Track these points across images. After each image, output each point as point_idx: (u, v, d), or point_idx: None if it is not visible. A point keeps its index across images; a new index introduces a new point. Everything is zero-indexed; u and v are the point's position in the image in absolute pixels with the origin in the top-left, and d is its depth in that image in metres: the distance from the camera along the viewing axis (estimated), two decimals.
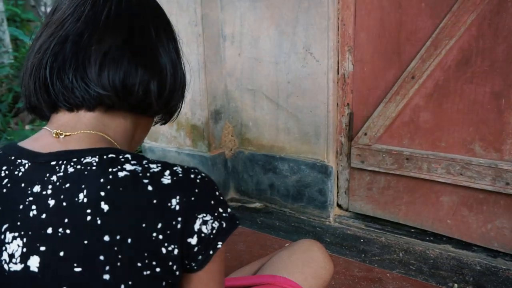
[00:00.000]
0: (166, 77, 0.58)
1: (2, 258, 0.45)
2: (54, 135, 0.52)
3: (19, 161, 0.50)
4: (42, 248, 0.44)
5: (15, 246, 0.45)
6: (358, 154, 1.67)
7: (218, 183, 2.00)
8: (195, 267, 0.50)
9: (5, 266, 0.44)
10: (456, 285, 1.31)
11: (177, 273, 0.49)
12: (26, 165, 0.50)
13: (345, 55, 1.63)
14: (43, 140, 0.52)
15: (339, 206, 1.83)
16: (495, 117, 1.37)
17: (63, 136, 0.52)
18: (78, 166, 0.48)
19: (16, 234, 0.45)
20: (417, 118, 1.52)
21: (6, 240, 0.45)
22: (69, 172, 0.48)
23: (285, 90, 1.76)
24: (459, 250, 1.49)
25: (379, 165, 1.62)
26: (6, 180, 0.49)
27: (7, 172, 0.50)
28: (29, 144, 0.53)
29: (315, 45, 1.63)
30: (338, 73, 1.66)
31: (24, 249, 0.44)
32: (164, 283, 0.48)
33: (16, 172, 0.49)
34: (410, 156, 1.53)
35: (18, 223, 0.46)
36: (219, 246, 0.50)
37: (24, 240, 0.45)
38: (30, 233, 0.45)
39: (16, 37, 4.93)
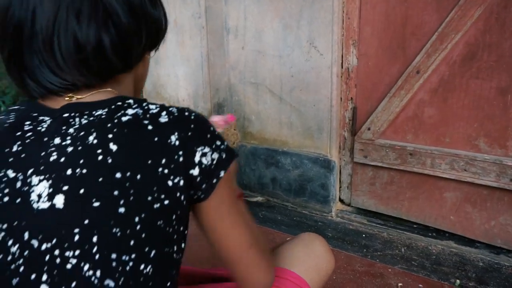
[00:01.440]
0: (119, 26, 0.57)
1: (31, 198, 0.50)
2: (66, 98, 0.56)
3: (41, 118, 0.55)
4: (65, 188, 0.49)
5: (42, 187, 0.50)
6: (361, 149, 1.66)
7: None
8: (202, 196, 0.56)
9: (34, 205, 0.49)
10: (458, 281, 1.31)
11: (184, 203, 0.54)
12: (48, 122, 0.55)
13: (349, 49, 1.61)
14: (57, 100, 0.57)
15: (341, 201, 1.83)
16: (500, 113, 1.35)
17: (74, 98, 0.56)
18: (91, 118, 0.53)
19: (42, 177, 0.50)
20: (422, 113, 1.51)
21: (33, 183, 0.50)
22: (83, 123, 0.53)
23: (289, 83, 1.75)
24: (461, 246, 1.48)
25: (382, 160, 1.61)
26: (30, 133, 0.54)
27: (30, 127, 0.54)
28: (48, 102, 0.57)
29: (319, 38, 1.62)
30: (342, 67, 1.64)
31: (50, 190, 0.49)
32: (174, 216, 0.53)
33: (39, 128, 0.54)
34: (413, 151, 1.52)
35: (42, 168, 0.51)
36: (222, 175, 0.56)
37: (50, 182, 0.50)
38: (53, 175, 0.50)
39: None
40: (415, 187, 1.59)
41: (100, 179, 0.49)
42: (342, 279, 1.33)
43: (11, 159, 0.52)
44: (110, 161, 0.50)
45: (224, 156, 0.57)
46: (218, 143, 0.57)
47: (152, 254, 0.51)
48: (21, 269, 0.48)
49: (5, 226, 0.49)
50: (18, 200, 0.50)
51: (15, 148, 0.52)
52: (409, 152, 1.53)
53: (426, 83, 1.46)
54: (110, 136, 0.51)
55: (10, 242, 0.49)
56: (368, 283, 1.31)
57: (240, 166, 2.03)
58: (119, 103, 0.55)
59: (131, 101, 0.56)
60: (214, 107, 1.91)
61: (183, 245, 0.57)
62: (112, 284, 0.48)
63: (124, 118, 0.53)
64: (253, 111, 1.91)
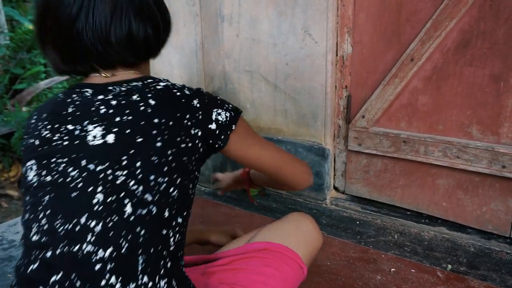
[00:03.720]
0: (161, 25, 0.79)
1: (87, 139, 0.65)
2: (103, 75, 0.74)
3: (84, 89, 0.72)
4: (115, 129, 0.65)
5: (97, 131, 0.66)
6: (356, 137, 1.66)
7: (216, 165, 2.01)
8: (221, 144, 0.76)
9: (90, 143, 0.65)
10: (449, 266, 1.33)
11: (201, 150, 0.73)
12: (90, 91, 0.71)
13: (344, 37, 1.61)
14: (96, 79, 0.74)
15: (335, 188, 1.84)
16: (493, 100, 1.36)
17: (110, 75, 0.74)
18: (129, 86, 0.71)
19: (96, 124, 0.66)
20: (415, 101, 1.51)
21: (89, 130, 0.66)
22: (122, 89, 0.70)
23: (283, 71, 1.75)
24: (453, 232, 1.51)
25: (376, 148, 1.62)
26: (77, 97, 0.71)
27: (76, 96, 0.71)
28: (86, 81, 0.75)
29: (314, 26, 1.61)
30: (336, 55, 1.64)
31: (104, 132, 0.65)
32: (193, 157, 0.71)
33: (84, 94, 0.71)
34: (407, 139, 1.53)
35: (95, 118, 0.67)
36: (233, 127, 0.77)
37: (103, 126, 0.66)
38: (105, 122, 0.66)
39: (11, 17, 4.85)
40: (408, 174, 1.60)
41: (142, 123, 0.66)
42: (336, 265, 1.35)
43: (69, 118, 0.68)
44: (149, 110, 0.67)
45: (233, 114, 0.77)
46: (227, 105, 0.78)
47: (178, 181, 0.67)
48: (80, 185, 0.63)
49: (66, 159, 0.65)
50: (77, 142, 0.66)
51: (70, 110, 0.69)
52: (403, 140, 1.54)
53: (420, 70, 1.47)
54: (149, 95, 0.69)
55: (70, 169, 0.64)
56: (362, 268, 1.33)
57: None
58: (150, 80, 0.73)
59: (160, 78, 0.75)
60: None
61: (194, 189, 0.74)
62: (150, 198, 0.64)
63: (158, 86, 0.71)
64: (248, 99, 1.91)
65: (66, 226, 0.61)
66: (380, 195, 1.71)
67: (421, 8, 1.42)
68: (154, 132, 0.66)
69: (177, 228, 0.68)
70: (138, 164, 0.64)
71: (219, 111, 0.75)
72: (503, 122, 1.36)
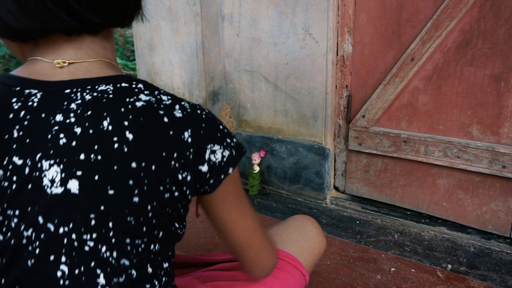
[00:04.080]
0: None
1: (44, 184, 0.49)
2: (57, 65, 0.53)
3: (27, 91, 0.51)
4: (79, 173, 0.49)
5: (53, 172, 0.49)
6: (356, 137, 1.66)
7: None
8: (208, 190, 0.58)
9: (48, 190, 0.49)
10: (449, 266, 1.33)
11: (189, 196, 0.57)
12: (38, 95, 0.51)
13: (344, 37, 1.61)
14: (46, 70, 0.53)
15: (336, 188, 1.84)
16: (493, 100, 1.36)
17: (67, 64, 0.53)
18: (94, 94, 0.52)
19: (52, 161, 0.49)
20: (416, 100, 1.51)
21: (44, 168, 0.49)
22: (86, 99, 0.51)
23: (284, 71, 1.75)
24: (453, 232, 1.51)
25: (376, 148, 1.62)
26: (23, 112, 0.50)
27: (19, 104, 0.51)
28: (27, 73, 0.53)
29: (315, 26, 1.61)
30: (337, 55, 1.64)
31: (63, 174, 0.49)
32: (179, 205, 0.56)
33: (30, 103, 0.51)
34: (407, 138, 1.53)
35: (51, 152, 0.49)
36: (230, 171, 0.59)
37: (61, 166, 0.49)
38: (64, 160, 0.49)
39: None
40: (408, 174, 1.60)
41: (115, 167, 0.49)
42: (336, 264, 1.35)
43: (14, 146, 0.49)
44: (126, 150, 0.49)
45: (234, 153, 0.59)
46: (228, 140, 0.59)
47: (160, 235, 0.55)
48: (37, 251, 0.49)
49: (17, 212, 0.49)
50: (30, 186, 0.49)
51: (16, 134, 0.49)
52: (403, 140, 1.54)
53: (421, 70, 1.47)
54: (126, 123, 0.50)
55: (22, 227, 0.49)
56: (362, 268, 1.33)
57: None
58: (126, 84, 0.54)
59: (141, 85, 0.55)
60: (209, 95, 1.91)
61: (185, 222, 0.61)
62: (127, 263, 0.52)
63: (138, 104, 0.52)
64: (248, 99, 1.91)
65: None
66: (380, 194, 1.71)
67: (421, 8, 1.42)
68: (131, 182, 0.49)
69: (162, 273, 0.59)
70: (110, 224, 0.50)
71: (215, 147, 0.56)
72: (503, 122, 1.36)
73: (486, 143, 1.40)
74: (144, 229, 0.52)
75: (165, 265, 0.59)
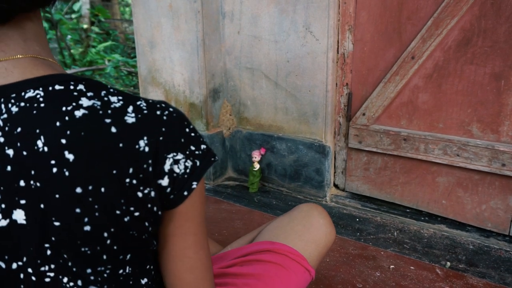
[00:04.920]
0: None
1: None
2: None
3: None
4: (23, 202, 0.42)
5: None
6: (356, 135, 1.67)
7: (216, 162, 2.01)
8: (167, 206, 0.49)
9: None
10: (448, 263, 1.33)
11: (159, 213, 0.48)
12: None
13: (345, 34, 1.61)
14: None
15: (335, 186, 1.85)
16: (493, 98, 1.37)
17: None
18: (22, 104, 0.42)
19: None
20: (416, 99, 1.52)
21: None
22: (13, 112, 0.42)
23: (284, 69, 1.75)
24: (453, 230, 1.51)
25: (376, 146, 1.63)
26: None
27: None
28: None
29: (315, 23, 1.61)
30: (337, 53, 1.64)
31: (3, 205, 0.42)
32: (147, 223, 0.47)
33: None
34: (407, 136, 1.54)
35: None
36: (194, 186, 0.48)
37: (0, 196, 0.42)
38: (2, 188, 0.42)
39: None
40: (408, 172, 1.61)
41: (57, 196, 0.41)
42: (335, 261, 1.35)
43: None
44: (67, 174, 0.41)
45: (198, 163, 0.48)
46: (193, 148, 0.48)
47: (128, 258, 0.48)
48: None
49: None
50: None
51: None
52: (403, 138, 1.55)
53: (421, 68, 1.47)
54: (64, 141, 0.41)
55: None
56: (361, 265, 1.33)
57: (236, 151, 2.04)
58: (61, 87, 0.44)
59: (81, 86, 0.44)
60: (209, 93, 1.91)
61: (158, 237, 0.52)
62: None
63: (78, 113, 0.42)
64: (249, 97, 1.91)
65: None
66: (380, 192, 1.71)
67: (422, 6, 1.42)
68: (78, 210, 0.42)
69: None
70: (65, 256, 0.44)
71: (178, 156, 0.47)
72: (503, 121, 1.37)
73: (485, 141, 1.40)
74: (105, 257, 0.45)
75: (143, 281, 0.51)
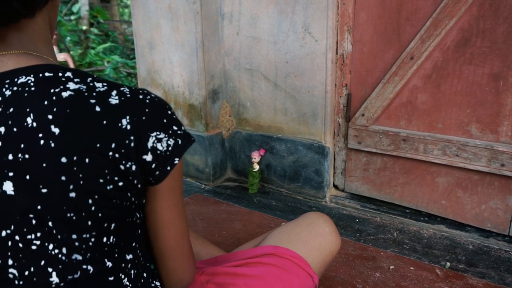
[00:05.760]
0: None
1: None
2: None
3: None
4: (11, 174, 0.47)
5: None
6: (355, 135, 1.67)
7: (216, 163, 2.01)
8: (153, 181, 0.54)
9: None
10: (448, 263, 1.34)
11: (139, 186, 0.53)
12: None
13: (344, 35, 1.61)
14: None
15: (335, 186, 1.85)
16: (492, 98, 1.37)
17: None
18: (14, 88, 0.48)
19: None
20: (415, 99, 1.52)
21: None
22: (7, 95, 0.48)
23: (283, 70, 1.75)
24: (452, 230, 1.51)
25: (375, 146, 1.63)
26: None
27: None
28: None
29: (314, 24, 1.62)
30: (337, 53, 1.65)
31: None
32: (129, 194, 0.52)
33: None
34: (406, 137, 1.54)
35: None
36: (176, 162, 0.54)
37: None
38: None
39: None
40: (407, 172, 1.61)
41: (44, 165, 0.46)
42: (335, 262, 1.35)
43: None
44: (53, 145, 0.46)
45: (180, 142, 0.54)
46: (175, 128, 0.54)
47: (112, 227, 0.51)
48: None
49: None
50: None
51: None
52: (402, 138, 1.55)
53: (420, 69, 1.47)
54: (50, 117, 0.46)
55: None
56: (361, 266, 1.33)
57: (235, 152, 2.04)
58: (50, 74, 0.49)
59: (69, 74, 0.50)
60: (209, 94, 1.91)
61: (143, 201, 0.57)
62: (79, 257, 0.50)
63: (64, 94, 0.47)
64: (248, 98, 1.91)
65: None
66: (380, 193, 1.71)
67: (421, 6, 1.42)
68: (64, 178, 0.46)
69: (129, 266, 0.56)
70: (50, 223, 0.48)
71: (161, 135, 0.52)
72: (502, 121, 1.37)
73: (485, 142, 1.40)
74: (89, 223, 0.49)
75: (129, 256, 0.55)
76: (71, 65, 3.90)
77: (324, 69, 1.64)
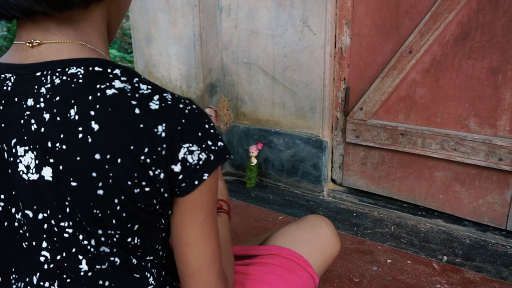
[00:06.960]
0: None
1: (19, 169, 0.49)
2: (27, 44, 0.50)
3: (3, 76, 0.51)
4: (51, 160, 0.48)
5: (28, 158, 0.49)
6: (353, 129, 1.67)
7: None
8: (178, 193, 0.52)
9: (24, 176, 0.49)
10: (445, 257, 1.34)
11: (166, 195, 0.52)
12: (12, 79, 0.50)
13: (342, 29, 1.60)
14: (20, 53, 0.51)
15: (333, 180, 1.85)
16: (491, 93, 1.36)
17: (37, 44, 0.50)
18: (64, 77, 0.49)
19: (27, 147, 0.49)
20: (413, 93, 1.51)
21: (19, 154, 0.49)
22: (56, 83, 0.49)
23: (281, 63, 1.74)
24: (450, 224, 1.52)
25: (374, 141, 1.62)
26: None
27: None
28: (7, 58, 0.52)
29: (313, 18, 1.60)
30: (335, 47, 1.64)
31: (37, 161, 0.48)
32: (155, 201, 0.51)
33: (4, 88, 0.50)
34: (405, 131, 1.54)
35: (25, 138, 0.49)
36: (205, 177, 0.52)
37: (35, 153, 0.48)
38: (37, 146, 0.48)
39: None
40: (405, 166, 1.61)
41: (78, 158, 0.47)
42: None
43: None
44: (90, 140, 0.47)
45: (212, 157, 0.52)
46: (210, 142, 0.52)
47: (135, 228, 0.52)
48: (27, 234, 0.51)
49: (3, 196, 0.51)
50: (10, 171, 0.50)
51: None
52: (401, 132, 1.55)
53: (419, 63, 1.47)
54: (92, 113, 0.47)
55: (13, 210, 0.51)
56: (358, 260, 1.33)
57: (233, 146, 2.03)
58: (99, 69, 0.50)
59: (118, 71, 0.50)
60: (206, 88, 1.90)
61: (170, 212, 0.55)
62: (107, 250, 0.52)
63: (109, 92, 0.48)
64: (246, 91, 1.90)
65: (19, 284, 0.53)
66: (377, 187, 1.71)
67: (420, 0, 1.41)
68: (94, 174, 0.47)
69: (149, 265, 0.57)
70: (79, 215, 0.49)
71: (193, 148, 0.50)
72: (500, 115, 1.36)
73: (483, 136, 1.40)
74: (114, 221, 0.49)
75: (149, 257, 0.56)
76: None
77: (323, 62, 1.63)
